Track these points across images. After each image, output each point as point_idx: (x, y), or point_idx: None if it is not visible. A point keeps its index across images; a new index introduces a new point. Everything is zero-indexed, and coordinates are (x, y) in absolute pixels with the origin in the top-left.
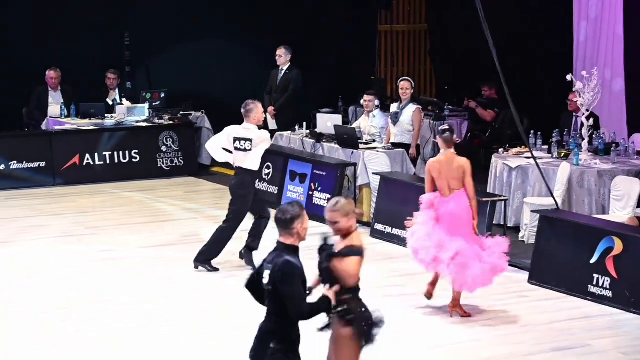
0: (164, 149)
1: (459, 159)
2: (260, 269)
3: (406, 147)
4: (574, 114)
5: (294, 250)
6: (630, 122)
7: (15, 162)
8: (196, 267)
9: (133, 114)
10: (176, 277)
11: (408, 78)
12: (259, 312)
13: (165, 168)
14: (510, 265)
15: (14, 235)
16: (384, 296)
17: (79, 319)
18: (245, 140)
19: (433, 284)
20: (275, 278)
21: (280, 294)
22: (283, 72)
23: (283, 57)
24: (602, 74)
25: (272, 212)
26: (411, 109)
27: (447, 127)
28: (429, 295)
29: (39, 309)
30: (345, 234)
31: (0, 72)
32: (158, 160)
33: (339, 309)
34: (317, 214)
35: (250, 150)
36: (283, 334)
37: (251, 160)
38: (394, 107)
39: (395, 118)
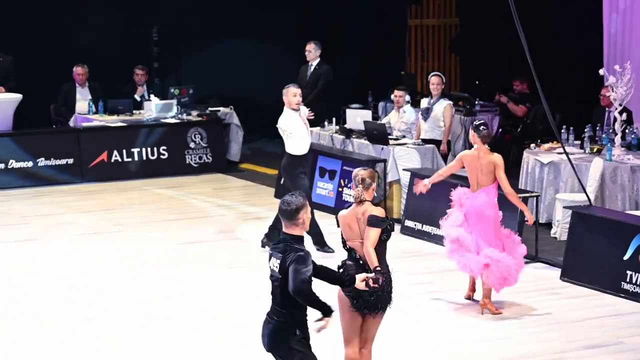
0: (192, 145)
1: (491, 155)
2: (269, 258)
3: (436, 142)
4: (607, 108)
5: (301, 240)
6: None
7: (43, 159)
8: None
9: (162, 110)
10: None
11: (439, 73)
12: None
13: (194, 165)
14: (542, 262)
15: (41, 232)
16: (415, 293)
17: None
18: (280, 127)
19: (472, 289)
20: (289, 267)
21: (289, 271)
22: (312, 67)
23: (312, 53)
24: (637, 67)
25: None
26: (442, 104)
27: (483, 122)
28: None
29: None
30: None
31: (27, 69)
32: (186, 156)
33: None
34: None
35: (286, 135)
36: (302, 322)
37: (288, 145)
38: (424, 103)
39: (426, 114)
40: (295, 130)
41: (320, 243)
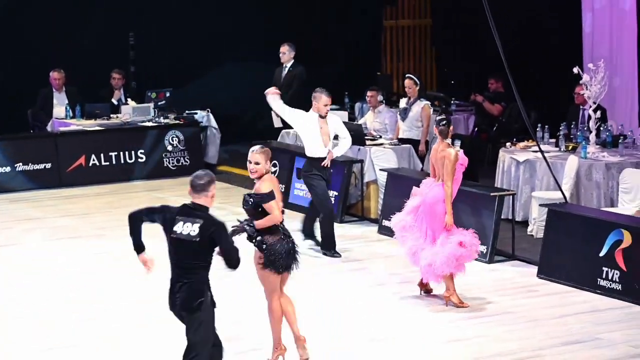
0: (170, 148)
1: (447, 148)
2: (172, 222)
3: (414, 142)
4: (581, 106)
5: (207, 210)
6: None
7: (21, 164)
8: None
9: (139, 114)
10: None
11: (411, 76)
12: (256, 311)
13: (172, 167)
14: (518, 259)
15: (19, 237)
16: (392, 293)
17: (79, 319)
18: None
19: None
20: (212, 233)
21: (217, 246)
22: (287, 69)
23: (287, 54)
24: (613, 66)
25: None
26: (420, 105)
27: (444, 117)
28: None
29: (38, 309)
30: (260, 176)
31: (5, 74)
32: (164, 159)
33: (255, 240)
34: None
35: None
36: (208, 282)
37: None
38: (402, 103)
39: (404, 114)
40: (307, 130)
41: (329, 247)
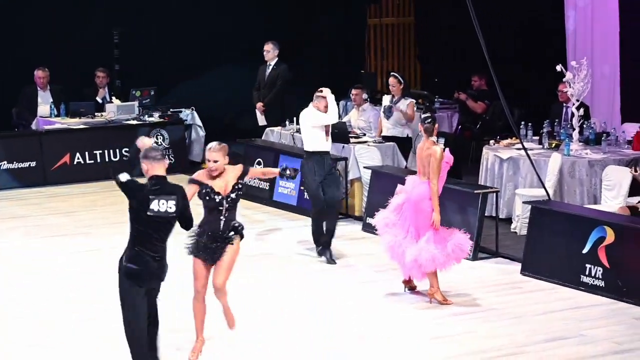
0: (154, 146)
1: (433, 146)
2: (147, 201)
3: (399, 140)
4: (564, 104)
5: (166, 179)
6: (624, 110)
7: (5, 162)
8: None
9: (124, 112)
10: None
11: (395, 74)
12: (252, 308)
13: None
14: (502, 256)
15: (4, 236)
16: (377, 291)
17: (79, 318)
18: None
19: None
20: (183, 206)
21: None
22: (271, 67)
23: (271, 53)
24: (597, 64)
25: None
26: (405, 102)
27: (429, 115)
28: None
29: (38, 309)
30: (220, 172)
31: None
32: None
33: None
34: (308, 208)
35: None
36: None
37: (304, 142)
38: (386, 100)
39: (389, 112)
40: (309, 126)
41: (324, 248)
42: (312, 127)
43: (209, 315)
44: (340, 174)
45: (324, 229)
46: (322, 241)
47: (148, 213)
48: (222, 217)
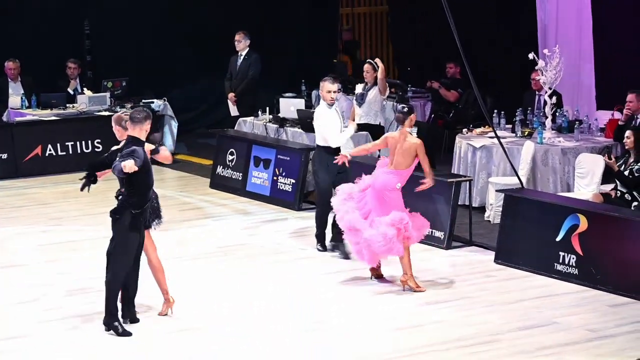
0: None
1: (412, 139)
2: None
3: (371, 128)
4: (537, 92)
5: (141, 143)
6: (599, 98)
7: None
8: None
9: (96, 103)
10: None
11: (371, 61)
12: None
13: None
14: (476, 245)
15: None
16: (349, 279)
17: (47, 308)
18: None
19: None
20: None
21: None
22: (242, 57)
23: (242, 43)
24: (571, 52)
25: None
26: (376, 90)
27: (403, 105)
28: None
29: (7, 302)
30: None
31: None
32: None
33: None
34: (282, 198)
35: (316, 128)
36: (139, 201)
37: (318, 137)
38: (358, 89)
39: (361, 99)
40: (326, 123)
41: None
42: (331, 124)
43: (193, 308)
44: (313, 163)
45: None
46: (335, 234)
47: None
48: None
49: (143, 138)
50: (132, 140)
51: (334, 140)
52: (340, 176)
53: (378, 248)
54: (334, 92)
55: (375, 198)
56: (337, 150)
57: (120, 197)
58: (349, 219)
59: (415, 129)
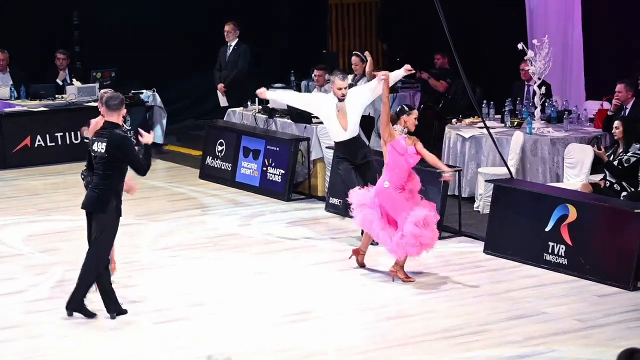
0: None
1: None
2: (91, 144)
3: (361, 119)
4: (526, 82)
5: (119, 127)
6: (588, 88)
7: None
8: None
9: (85, 94)
10: (136, 259)
11: (358, 52)
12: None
13: None
14: (465, 235)
15: None
16: (338, 270)
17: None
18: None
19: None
20: (114, 148)
21: (123, 159)
22: (232, 48)
23: (231, 33)
24: (560, 42)
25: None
26: (364, 81)
27: (400, 108)
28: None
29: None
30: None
31: None
32: None
33: None
34: (271, 189)
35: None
36: (117, 193)
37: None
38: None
39: None
40: (324, 117)
41: None
42: (327, 116)
43: (181, 298)
44: (302, 154)
45: None
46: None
47: (91, 152)
48: None
49: (120, 123)
50: (110, 126)
51: (338, 135)
52: (365, 164)
53: (410, 248)
54: (345, 88)
55: (380, 201)
56: (350, 141)
57: (100, 187)
58: (365, 213)
59: (404, 130)
